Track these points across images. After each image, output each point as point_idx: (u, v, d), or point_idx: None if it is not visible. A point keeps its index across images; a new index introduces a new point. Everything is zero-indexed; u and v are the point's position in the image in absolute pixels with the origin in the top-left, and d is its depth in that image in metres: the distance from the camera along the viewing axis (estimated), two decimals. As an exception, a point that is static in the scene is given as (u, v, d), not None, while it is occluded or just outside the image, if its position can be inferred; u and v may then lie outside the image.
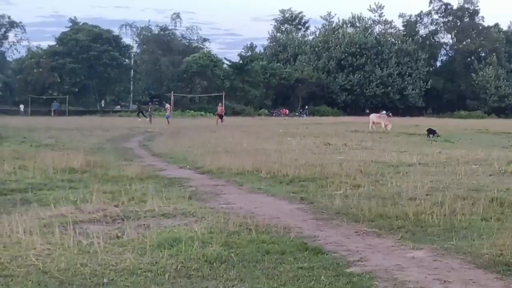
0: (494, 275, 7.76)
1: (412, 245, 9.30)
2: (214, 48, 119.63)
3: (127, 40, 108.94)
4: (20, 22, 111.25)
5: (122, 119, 70.49)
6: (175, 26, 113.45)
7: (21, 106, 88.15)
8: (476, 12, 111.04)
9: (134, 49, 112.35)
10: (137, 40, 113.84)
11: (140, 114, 67.34)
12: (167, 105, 67.65)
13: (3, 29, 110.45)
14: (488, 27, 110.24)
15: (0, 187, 15.11)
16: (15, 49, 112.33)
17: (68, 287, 7.21)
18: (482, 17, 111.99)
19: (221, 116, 59.98)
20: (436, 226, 10.46)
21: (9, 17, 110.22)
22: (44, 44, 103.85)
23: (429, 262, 8.36)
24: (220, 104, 64.84)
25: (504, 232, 9.90)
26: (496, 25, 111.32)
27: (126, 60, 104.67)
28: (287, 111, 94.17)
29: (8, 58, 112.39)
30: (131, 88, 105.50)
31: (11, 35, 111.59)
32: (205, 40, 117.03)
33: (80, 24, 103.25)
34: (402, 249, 9.13)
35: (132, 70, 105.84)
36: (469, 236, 9.71)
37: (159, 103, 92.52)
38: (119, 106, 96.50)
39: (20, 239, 9.16)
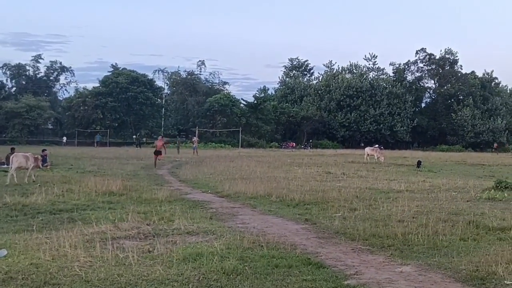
0: (471, 288, 7.72)
1: (400, 261, 9.27)
2: (233, 90, 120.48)
3: (159, 83, 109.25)
4: (70, 67, 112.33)
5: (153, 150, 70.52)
6: (200, 71, 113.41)
7: (64, 138, 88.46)
8: (455, 61, 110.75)
9: (165, 91, 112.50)
10: (168, 83, 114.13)
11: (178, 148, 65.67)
12: (194, 138, 67.45)
13: (55, 73, 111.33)
14: (466, 74, 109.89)
15: (50, 207, 15.19)
16: (65, 89, 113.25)
17: (107, 294, 7.23)
18: (461, 65, 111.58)
19: (159, 153, 36.98)
20: (421, 245, 10.39)
21: (60, 63, 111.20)
22: (90, 86, 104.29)
23: (415, 276, 8.31)
24: (160, 138, 41.96)
25: (479, 250, 9.87)
26: (473, 72, 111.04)
27: (158, 100, 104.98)
28: (294, 144, 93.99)
29: (59, 97, 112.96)
30: (162, 123, 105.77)
31: (62, 78, 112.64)
32: (225, 83, 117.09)
33: (120, 69, 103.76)
34: (391, 264, 9.08)
35: (163, 108, 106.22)
36: (449, 254, 9.66)
37: (186, 136, 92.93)
38: (145, 139, 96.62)
39: (66, 252, 9.19)
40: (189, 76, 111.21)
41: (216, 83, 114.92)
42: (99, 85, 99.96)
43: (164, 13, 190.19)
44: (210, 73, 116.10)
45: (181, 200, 17.56)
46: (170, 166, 36.48)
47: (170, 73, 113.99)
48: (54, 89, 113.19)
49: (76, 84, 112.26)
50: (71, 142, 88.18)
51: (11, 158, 23.99)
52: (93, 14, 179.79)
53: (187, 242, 10.41)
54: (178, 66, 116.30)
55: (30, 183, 21.75)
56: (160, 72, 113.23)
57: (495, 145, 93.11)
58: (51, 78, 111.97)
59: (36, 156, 24.56)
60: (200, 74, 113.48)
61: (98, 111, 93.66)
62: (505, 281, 7.89)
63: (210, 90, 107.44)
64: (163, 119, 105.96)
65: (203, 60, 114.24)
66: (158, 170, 32.42)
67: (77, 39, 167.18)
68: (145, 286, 7.55)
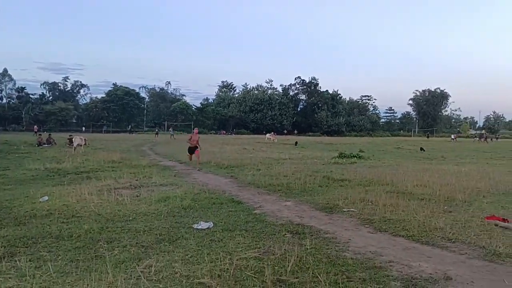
0: (324, 214, 7.99)
1: (285, 199, 9.47)
2: (188, 99, 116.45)
3: (143, 94, 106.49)
4: (86, 84, 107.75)
5: (139, 135, 68.73)
6: (168, 88, 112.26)
7: (83, 128, 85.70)
8: (317, 84, 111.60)
9: (146, 99, 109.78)
10: (148, 94, 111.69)
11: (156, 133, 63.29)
12: (171, 128, 65.70)
13: (77, 88, 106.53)
14: (322, 91, 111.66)
15: (75, 170, 14.64)
16: (84, 98, 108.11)
17: (111, 222, 7.06)
18: (320, 86, 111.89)
19: (195, 149, 16.84)
20: (297, 190, 10.64)
21: (80, 82, 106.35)
22: (99, 96, 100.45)
23: (294, 207, 8.53)
24: (196, 130, 17.73)
25: (329, 192, 10.21)
26: (326, 90, 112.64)
27: (142, 105, 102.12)
28: (225, 132, 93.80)
29: (80, 103, 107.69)
30: (145, 119, 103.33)
31: (81, 91, 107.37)
32: (183, 95, 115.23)
33: (118, 86, 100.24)
34: (280, 201, 9.26)
35: (145, 110, 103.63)
36: (313, 194, 9.94)
37: (159, 127, 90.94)
38: (130, 127, 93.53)
39: (85, 197, 8.91)
40: (161, 91, 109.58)
41: (177, 95, 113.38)
42: (105, 95, 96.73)
43: (146, 50, 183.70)
44: (174, 89, 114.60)
45: (156, 165, 17.25)
46: (149, 145, 35.64)
47: (149, 89, 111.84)
48: (76, 98, 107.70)
49: (91, 95, 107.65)
50: (88, 131, 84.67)
51: (73, 138, 23.69)
52: (102, 51, 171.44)
53: (160, 190, 10.27)
54: (154, 84, 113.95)
55: (74, 154, 20.95)
56: (143, 88, 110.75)
57: (295, 131, 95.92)
58: (75, 91, 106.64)
59: (85, 138, 24.41)
60: (168, 90, 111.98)
61: (105, 111, 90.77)
62: (343, 209, 8.24)
63: (174, 99, 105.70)
64: (145, 117, 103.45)
65: (169, 81, 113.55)
66: (142, 147, 31.35)
67: (91, 67, 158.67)
68: (135, 217, 7.43)
